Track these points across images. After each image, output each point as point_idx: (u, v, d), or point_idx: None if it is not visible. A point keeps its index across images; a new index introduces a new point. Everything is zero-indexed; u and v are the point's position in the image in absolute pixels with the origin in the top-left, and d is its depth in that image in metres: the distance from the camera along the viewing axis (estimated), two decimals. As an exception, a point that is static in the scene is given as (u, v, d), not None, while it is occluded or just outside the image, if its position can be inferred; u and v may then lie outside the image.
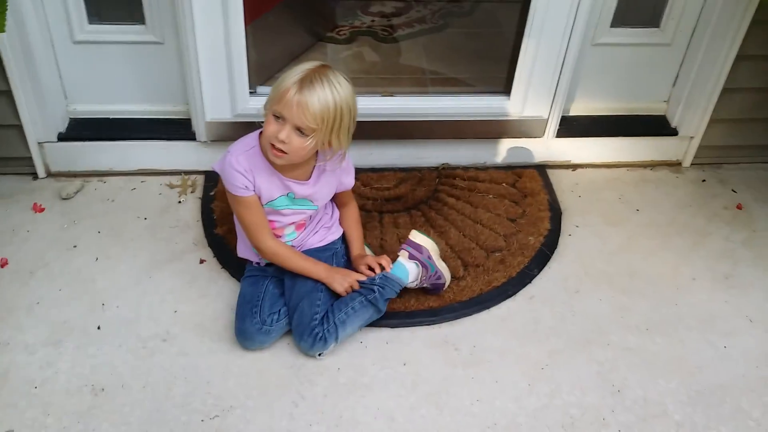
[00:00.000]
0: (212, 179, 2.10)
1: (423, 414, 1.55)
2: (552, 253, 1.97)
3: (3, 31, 1.51)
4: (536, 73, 2.04)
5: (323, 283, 1.67)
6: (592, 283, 1.89)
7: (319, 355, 1.64)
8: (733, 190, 2.24)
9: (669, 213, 2.14)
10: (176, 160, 2.11)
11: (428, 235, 1.78)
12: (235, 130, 2.01)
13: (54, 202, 2.02)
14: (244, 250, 1.75)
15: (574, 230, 2.06)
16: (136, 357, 1.63)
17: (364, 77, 2.43)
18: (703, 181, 2.28)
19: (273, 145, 1.49)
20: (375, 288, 1.66)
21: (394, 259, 1.73)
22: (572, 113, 2.26)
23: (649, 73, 2.22)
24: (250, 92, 2.00)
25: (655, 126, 2.28)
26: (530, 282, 1.88)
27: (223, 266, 1.86)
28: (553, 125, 2.17)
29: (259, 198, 1.59)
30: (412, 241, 1.74)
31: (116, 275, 1.82)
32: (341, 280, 1.67)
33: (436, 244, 1.78)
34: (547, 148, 2.24)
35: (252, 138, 1.59)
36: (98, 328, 1.68)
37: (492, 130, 2.18)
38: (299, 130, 1.47)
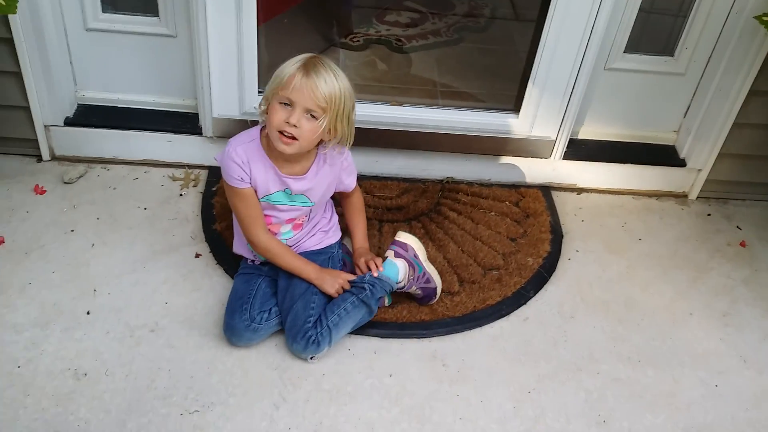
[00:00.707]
0: (215, 175, 2.10)
1: (404, 428, 1.54)
2: (550, 275, 1.95)
3: (14, 12, 1.52)
4: (546, 93, 2.03)
5: (314, 285, 1.66)
6: (587, 309, 1.87)
7: (311, 358, 1.63)
8: (738, 227, 2.22)
9: (671, 245, 2.12)
10: (181, 153, 2.11)
11: (414, 234, 1.77)
12: (242, 128, 1.97)
13: (56, 186, 2.02)
14: (240, 247, 1.75)
15: (574, 254, 2.04)
16: (122, 345, 1.62)
17: (375, 85, 2.43)
18: (709, 215, 2.25)
19: (282, 133, 1.49)
20: (366, 286, 1.65)
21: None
22: (581, 136, 2.25)
23: (660, 102, 2.21)
24: (259, 91, 2.00)
25: (664, 156, 2.27)
26: (525, 303, 1.86)
27: (218, 262, 1.85)
28: (560, 147, 2.16)
29: (256, 191, 1.59)
30: (397, 240, 1.74)
31: (111, 262, 1.81)
32: (332, 282, 1.66)
33: (432, 255, 1.77)
34: (554, 169, 2.23)
35: (253, 132, 1.60)
36: (87, 313, 1.68)
37: (499, 147, 2.17)
38: (309, 114, 1.48)
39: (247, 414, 1.52)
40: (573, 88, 2.03)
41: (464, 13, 2.93)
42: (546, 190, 2.23)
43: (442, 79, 2.50)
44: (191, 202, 2.03)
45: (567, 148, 2.17)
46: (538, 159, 2.19)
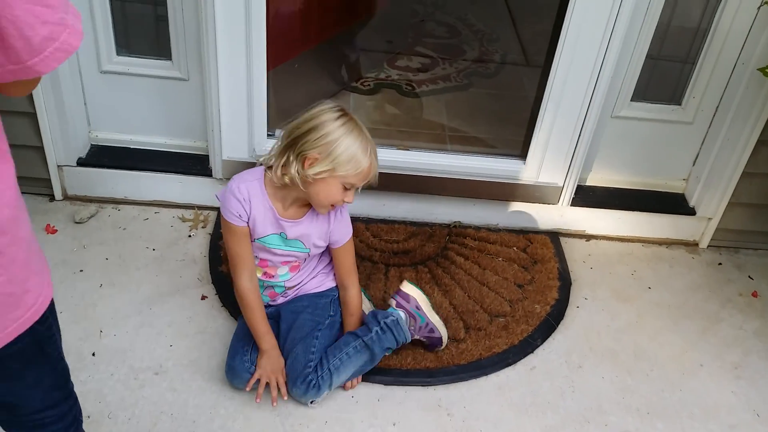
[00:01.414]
0: (224, 216, 2.11)
1: (407, 479, 1.51)
2: (558, 324, 1.93)
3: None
4: (553, 140, 2.05)
5: (318, 331, 1.65)
6: (596, 359, 1.85)
7: (311, 402, 1.61)
8: (749, 277, 2.19)
9: (681, 294, 2.09)
10: (191, 194, 2.14)
11: (418, 286, 1.76)
12: (251, 170, 2.04)
13: (67, 225, 2.04)
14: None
15: (582, 302, 2.02)
16: (126, 387, 1.62)
17: (383, 129, 2.45)
18: (719, 264, 2.23)
19: (333, 205, 1.55)
20: (374, 330, 1.64)
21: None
22: (589, 183, 2.25)
23: (669, 150, 2.21)
24: (269, 134, 2.03)
25: (673, 204, 2.26)
26: (532, 352, 1.84)
27: (223, 304, 1.85)
28: (568, 193, 2.16)
29: (251, 232, 1.58)
30: (401, 290, 1.73)
31: (118, 303, 1.82)
32: (268, 368, 1.59)
33: (438, 301, 1.76)
34: (562, 215, 2.22)
35: (256, 172, 1.59)
36: (93, 354, 1.68)
37: (506, 192, 2.17)
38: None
39: (247, 462, 1.50)
40: (580, 136, 2.04)
41: (474, 58, 2.97)
42: (554, 236, 2.22)
43: (451, 124, 2.52)
44: (199, 243, 2.04)
45: (575, 194, 2.17)
46: (546, 205, 2.19)
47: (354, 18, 2.57)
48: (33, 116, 1.94)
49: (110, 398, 1.59)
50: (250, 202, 1.55)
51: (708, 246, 2.28)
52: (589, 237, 2.26)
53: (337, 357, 1.62)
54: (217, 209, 2.14)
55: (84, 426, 1.38)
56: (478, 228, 2.21)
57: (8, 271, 0.87)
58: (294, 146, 1.49)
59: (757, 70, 1.88)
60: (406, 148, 2.16)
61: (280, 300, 1.73)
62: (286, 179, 1.50)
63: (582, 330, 1.93)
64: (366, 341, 1.64)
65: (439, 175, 2.12)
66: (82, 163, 2.08)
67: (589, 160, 2.18)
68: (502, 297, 1.97)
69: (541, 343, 1.87)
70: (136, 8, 1.98)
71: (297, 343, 1.63)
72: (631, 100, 2.10)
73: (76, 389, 1.15)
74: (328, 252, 1.77)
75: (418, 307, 1.72)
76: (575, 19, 1.84)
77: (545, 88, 1.97)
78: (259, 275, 1.66)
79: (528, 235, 2.21)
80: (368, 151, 1.50)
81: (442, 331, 1.75)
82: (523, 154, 2.12)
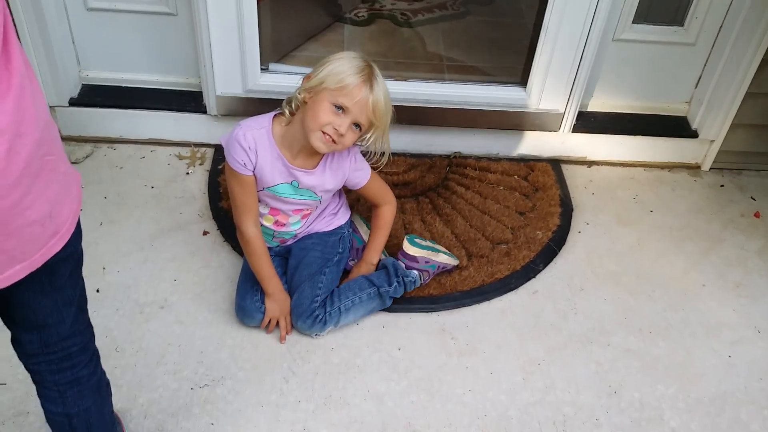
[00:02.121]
0: (221, 153, 2.08)
1: (413, 399, 1.53)
2: (559, 249, 1.93)
3: None
4: (554, 66, 2.00)
5: (326, 267, 1.66)
6: (598, 281, 1.86)
7: (315, 335, 1.63)
8: (752, 198, 2.18)
9: (683, 216, 2.09)
10: (186, 131, 2.11)
11: (421, 244, 1.73)
12: (246, 106, 2.00)
13: (63, 166, 2.02)
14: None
15: (584, 227, 2.02)
16: (132, 322, 1.63)
17: (380, 60, 2.37)
18: (722, 186, 2.22)
19: (325, 132, 1.47)
20: (393, 284, 1.66)
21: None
22: (590, 109, 2.22)
23: (671, 73, 2.17)
24: (262, 69, 1.98)
25: (675, 127, 2.23)
26: (534, 277, 1.85)
27: (225, 239, 1.85)
28: (569, 120, 2.13)
29: (257, 181, 1.55)
30: (406, 253, 1.72)
31: (119, 241, 1.82)
32: (275, 310, 1.61)
33: (439, 230, 1.76)
34: (563, 142, 2.20)
35: (263, 119, 1.55)
36: (97, 291, 1.69)
37: (506, 121, 2.14)
38: (356, 125, 1.48)
39: (256, 387, 1.52)
40: (581, 61, 1.99)
41: (471, -15, 2.89)
42: (555, 163, 2.21)
43: (449, 53, 2.46)
44: (198, 180, 2.02)
45: (576, 120, 2.14)
46: (547, 132, 2.16)
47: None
48: (21, 56, 1.89)
49: (116, 333, 1.61)
50: (257, 151, 1.51)
51: (710, 168, 2.26)
52: (590, 163, 2.24)
53: (350, 299, 1.64)
54: (215, 146, 2.13)
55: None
56: (478, 158, 2.19)
57: (58, 147, 0.93)
58: (306, 79, 1.49)
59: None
60: (404, 79, 2.11)
61: (290, 242, 1.72)
62: (292, 104, 1.50)
63: (584, 254, 1.93)
64: (381, 292, 1.66)
65: (438, 105, 2.08)
66: (74, 103, 2.04)
67: (591, 85, 2.14)
68: (503, 225, 1.97)
69: (543, 268, 1.87)
70: (119, -61, 1.91)
71: (304, 280, 1.63)
72: (632, 23, 2.04)
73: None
74: (338, 193, 1.75)
75: (427, 261, 1.73)
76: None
77: (545, 12, 1.91)
78: (269, 224, 1.65)
79: (529, 163, 2.19)
80: (362, 75, 1.45)
81: (454, 261, 1.78)
82: (523, 82, 2.08)
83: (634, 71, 2.15)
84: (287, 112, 1.52)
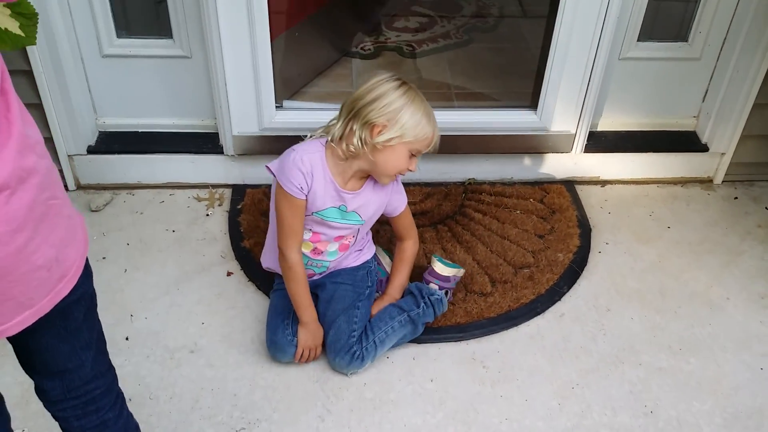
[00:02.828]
0: (239, 193, 2.11)
1: (451, 432, 1.53)
2: (582, 270, 1.94)
3: (34, 43, 1.52)
4: (563, 88, 2.03)
5: (359, 302, 1.67)
6: (623, 301, 1.86)
7: (351, 373, 1.63)
8: (766, 208, 2.20)
9: (701, 231, 2.10)
10: (204, 173, 2.13)
11: (448, 262, 1.76)
12: (262, 144, 2.03)
13: (83, 214, 2.02)
14: (271, 261, 1.73)
15: (604, 247, 2.02)
16: (164, 368, 1.63)
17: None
18: (736, 198, 2.23)
19: (395, 174, 1.57)
20: (421, 305, 1.67)
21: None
22: (600, 128, 2.24)
23: (678, 88, 2.20)
24: (277, 106, 2.01)
25: (685, 142, 2.25)
26: (560, 299, 1.85)
27: (250, 279, 1.86)
28: (581, 140, 2.15)
29: (308, 205, 1.56)
30: (439, 274, 1.73)
31: (144, 287, 1.82)
32: (308, 339, 1.62)
33: (461, 258, 1.78)
34: (576, 163, 2.22)
35: (317, 144, 1.56)
36: (126, 338, 1.69)
37: (519, 145, 2.16)
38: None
39: (293, 428, 1.52)
40: (589, 81, 2.02)
41: (472, 13, 2.93)
42: (570, 184, 2.22)
43: (457, 81, 2.50)
44: (218, 221, 2.03)
45: (587, 140, 2.16)
46: (560, 154, 2.18)
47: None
48: (39, 107, 1.91)
49: (149, 380, 1.60)
50: (313, 175, 1.52)
51: (723, 181, 2.28)
52: (604, 182, 2.26)
53: (383, 330, 1.64)
54: (232, 186, 2.14)
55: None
56: (493, 183, 2.21)
57: (61, 191, 0.94)
58: (358, 117, 1.48)
59: (767, -3, 1.86)
60: (415, 109, 2.14)
61: (317, 277, 1.72)
62: (352, 148, 1.49)
63: (606, 274, 1.94)
64: (411, 316, 1.66)
65: (451, 133, 2.09)
66: (92, 150, 2.06)
67: (600, 104, 2.16)
68: (524, 248, 1.98)
69: (568, 290, 1.88)
70: (132, -12, 1.95)
71: (339, 314, 1.64)
72: (637, 41, 2.08)
73: (113, 373, 1.16)
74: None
75: (455, 277, 1.76)
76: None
77: (552, 35, 1.94)
78: (307, 251, 1.65)
79: (543, 185, 2.21)
80: (431, 117, 1.52)
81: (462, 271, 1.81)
82: (533, 105, 2.10)
83: (641, 88, 2.18)
84: (341, 152, 1.52)
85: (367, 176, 1.60)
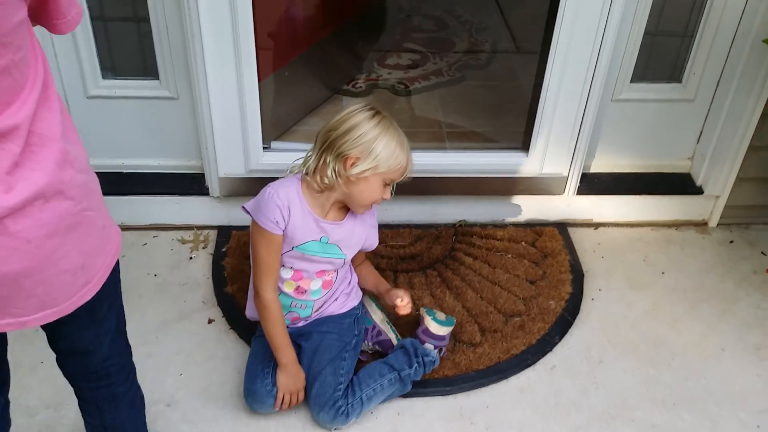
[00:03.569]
0: (224, 235, 2.07)
1: (436, 495, 1.47)
2: (574, 318, 1.89)
3: None
4: (555, 129, 2.00)
5: (345, 352, 1.62)
6: (615, 352, 1.81)
7: (335, 429, 1.57)
8: (762, 253, 2.15)
9: (696, 276, 2.05)
10: (189, 214, 2.09)
11: (443, 320, 1.71)
12: (249, 185, 1.99)
13: (64, 256, 1.99)
14: (254, 310, 1.69)
15: (596, 294, 1.98)
16: (139, 424, 1.57)
17: (380, 130, 2.39)
18: (731, 242, 2.19)
19: (371, 204, 1.55)
20: (413, 366, 1.62)
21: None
22: (594, 170, 2.21)
23: (672, 130, 2.17)
24: (264, 147, 1.98)
25: (680, 184, 2.22)
26: (551, 350, 1.80)
27: (231, 327, 1.81)
28: (573, 182, 2.11)
29: (286, 240, 1.52)
30: (434, 334, 1.69)
31: (123, 335, 1.77)
32: (288, 384, 1.56)
33: (450, 304, 1.75)
34: (568, 205, 2.18)
35: (294, 179, 1.54)
36: (101, 391, 1.63)
37: (510, 187, 2.13)
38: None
39: (271, 491, 1.46)
40: (582, 123, 1.99)
41: (465, 50, 2.92)
42: (562, 227, 2.18)
43: (448, 119, 2.47)
44: (201, 264, 1.99)
45: (580, 183, 2.13)
46: (552, 196, 2.15)
47: (340, 19, 2.51)
48: (20, 149, 1.88)
49: (124, 434, 1.55)
50: (290, 209, 1.49)
51: (718, 224, 2.24)
52: (597, 225, 2.22)
53: (371, 387, 1.59)
54: (218, 227, 2.10)
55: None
56: (484, 225, 2.17)
57: (98, 204, 1.00)
58: (331, 149, 1.46)
59: (762, 41, 1.84)
60: (405, 150, 2.10)
61: (301, 324, 1.67)
62: (326, 181, 1.47)
63: (599, 323, 1.89)
64: (402, 376, 1.62)
65: (441, 174, 2.07)
66: (74, 192, 2.02)
67: (592, 146, 2.13)
68: (515, 295, 1.93)
69: (559, 340, 1.83)
70: (118, 28, 1.91)
71: (325, 365, 1.58)
72: (630, 82, 2.05)
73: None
74: (350, 271, 1.73)
75: (450, 334, 1.73)
76: (570, 1, 1.78)
77: (543, 76, 1.92)
78: (289, 290, 1.60)
79: (535, 228, 2.17)
80: (405, 146, 1.50)
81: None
82: (525, 146, 2.07)
83: (635, 130, 2.15)
84: (316, 185, 1.50)
85: (346, 208, 1.58)
